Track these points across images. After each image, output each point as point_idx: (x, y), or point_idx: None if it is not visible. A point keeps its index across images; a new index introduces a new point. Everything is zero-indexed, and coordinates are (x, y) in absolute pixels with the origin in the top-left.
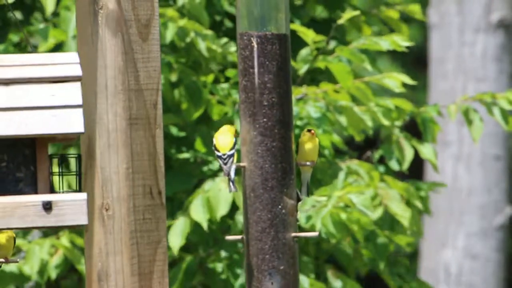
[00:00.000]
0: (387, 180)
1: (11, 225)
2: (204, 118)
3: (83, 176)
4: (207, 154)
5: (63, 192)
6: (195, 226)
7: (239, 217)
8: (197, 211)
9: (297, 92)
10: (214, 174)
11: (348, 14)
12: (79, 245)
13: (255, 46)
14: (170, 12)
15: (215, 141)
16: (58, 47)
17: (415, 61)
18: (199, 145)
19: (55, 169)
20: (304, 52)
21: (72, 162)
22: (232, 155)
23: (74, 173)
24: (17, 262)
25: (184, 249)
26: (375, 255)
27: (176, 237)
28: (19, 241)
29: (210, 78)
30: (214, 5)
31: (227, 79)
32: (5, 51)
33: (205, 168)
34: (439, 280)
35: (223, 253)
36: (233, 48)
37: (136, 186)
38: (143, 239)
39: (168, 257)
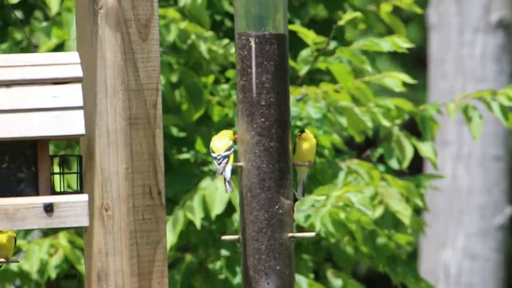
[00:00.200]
0: (387, 179)
1: (13, 227)
2: (204, 119)
3: (83, 176)
4: (208, 155)
5: (63, 193)
6: (192, 226)
7: (236, 217)
8: (191, 208)
9: (297, 92)
10: (214, 174)
11: (348, 15)
12: (79, 245)
13: (253, 46)
14: (172, 13)
15: (211, 143)
16: (59, 47)
17: (414, 61)
18: (199, 145)
19: (56, 169)
20: (304, 53)
21: (74, 162)
22: (227, 156)
23: (75, 172)
24: (17, 262)
25: (184, 249)
26: (374, 254)
27: (168, 233)
28: (19, 241)
29: (211, 79)
30: (215, 5)
31: (227, 80)
32: (9, 50)
33: (205, 169)
34: (438, 280)
35: (223, 252)
36: (234, 49)
37: (135, 186)
38: (143, 239)
39: (168, 257)
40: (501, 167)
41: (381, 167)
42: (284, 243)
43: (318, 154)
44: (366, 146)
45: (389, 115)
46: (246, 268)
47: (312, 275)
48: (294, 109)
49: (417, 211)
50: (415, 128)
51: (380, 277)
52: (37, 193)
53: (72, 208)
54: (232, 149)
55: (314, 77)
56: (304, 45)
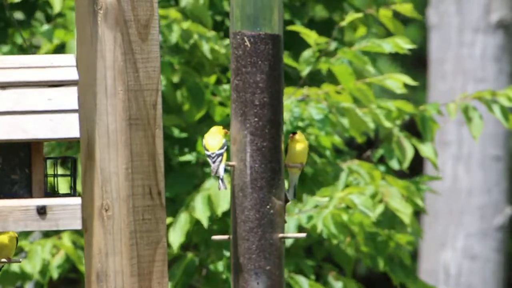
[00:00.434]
0: (387, 179)
1: (6, 228)
2: (206, 119)
3: (82, 176)
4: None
5: (58, 194)
6: (196, 225)
7: None
8: (198, 208)
9: (298, 93)
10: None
11: (350, 17)
12: (82, 245)
13: (248, 45)
14: (173, 13)
15: (204, 141)
16: (60, 48)
17: (414, 62)
18: (200, 146)
19: (51, 171)
20: (306, 53)
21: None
22: (221, 154)
23: (69, 175)
24: (19, 262)
25: (185, 248)
26: (375, 253)
27: (176, 233)
28: (21, 242)
29: (212, 79)
30: (216, 6)
31: (229, 80)
32: (10, 53)
33: (206, 170)
34: (438, 281)
35: (224, 252)
36: None
37: (135, 187)
38: (143, 240)
39: (168, 255)
40: (501, 167)
41: (382, 168)
42: (274, 243)
43: (319, 154)
44: (367, 146)
45: (390, 116)
46: (236, 267)
47: (313, 276)
48: (295, 110)
49: (416, 212)
50: (415, 128)
51: (380, 277)
52: (30, 195)
53: (65, 211)
54: (225, 147)
55: (315, 78)
56: (304, 45)
